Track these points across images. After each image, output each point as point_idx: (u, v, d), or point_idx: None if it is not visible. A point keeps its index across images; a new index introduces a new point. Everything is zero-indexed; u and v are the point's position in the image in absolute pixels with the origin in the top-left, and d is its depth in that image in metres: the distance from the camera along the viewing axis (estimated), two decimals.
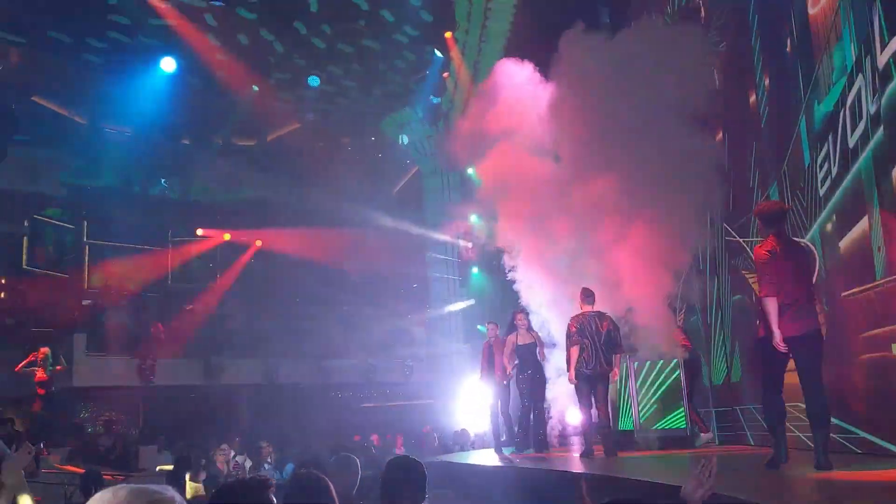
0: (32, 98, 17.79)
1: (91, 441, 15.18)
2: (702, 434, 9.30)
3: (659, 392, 9.47)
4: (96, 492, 5.79)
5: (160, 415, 17.63)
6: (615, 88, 9.55)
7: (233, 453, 13.87)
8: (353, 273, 20.39)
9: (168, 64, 17.14)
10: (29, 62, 17.61)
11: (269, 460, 14.52)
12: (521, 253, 11.25)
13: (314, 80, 18.47)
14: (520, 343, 9.55)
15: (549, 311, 10.87)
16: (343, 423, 18.25)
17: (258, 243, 20.51)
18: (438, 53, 18.79)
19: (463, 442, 15.61)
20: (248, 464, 13.97)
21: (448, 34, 17.87)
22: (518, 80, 11.48)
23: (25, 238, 17.23)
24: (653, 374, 9.53)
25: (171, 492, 2.11)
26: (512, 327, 9.69)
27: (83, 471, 10.61)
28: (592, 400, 8.37)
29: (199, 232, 19.71)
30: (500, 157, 11.19)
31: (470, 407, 16.67)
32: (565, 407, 11.01)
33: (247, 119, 19.71)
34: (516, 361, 9.60)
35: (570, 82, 10.34)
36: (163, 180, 18.71)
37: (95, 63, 17.41)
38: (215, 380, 17.33)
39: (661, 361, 9.47)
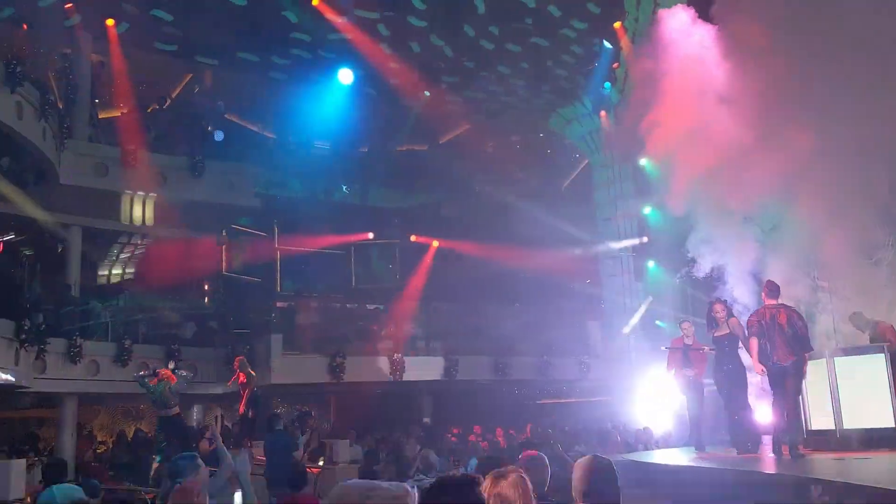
0: (225, 116, 19.22)
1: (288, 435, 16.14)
2: None
3: (863, 387, 8.77)
4: (300, 484, 6.12)
5: (349, 410, 18.49)
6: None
7: (418, 447, 14.32)
8: (526, 271, 20.44)
9: (346, 76, 17.96)
10: (221, 83, 19.09)
11: (454, 453, 14.89)
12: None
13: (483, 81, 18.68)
14: (716, 335, 9.20)
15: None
16: (521, 419, 18.37)
17: (435, 244, 21.02)
18: (608, 44, 18.47)
19: (646, 440, 15.26)
20: (433, 458, 14.39)
21: (617, 24, 17.53)
22: (684, 27, 10.82)
23: (224, 247, 18.61)
24: (855, 368, 8.84)
25: (408, 488, 2.21)
26: (712, 320, 9.28)
27: None
28: (782, 397, 7.97)
29: (413, 238, 20.43)
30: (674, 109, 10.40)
31: (652, 405, 16.27)
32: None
33: (419, 124, 20.29)
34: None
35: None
36: (343, 187, 19.62)
37: (279, 79, 18.58)
38: (398, 376, 17.94)
39: (866, 354, 8.79)
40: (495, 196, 20.54)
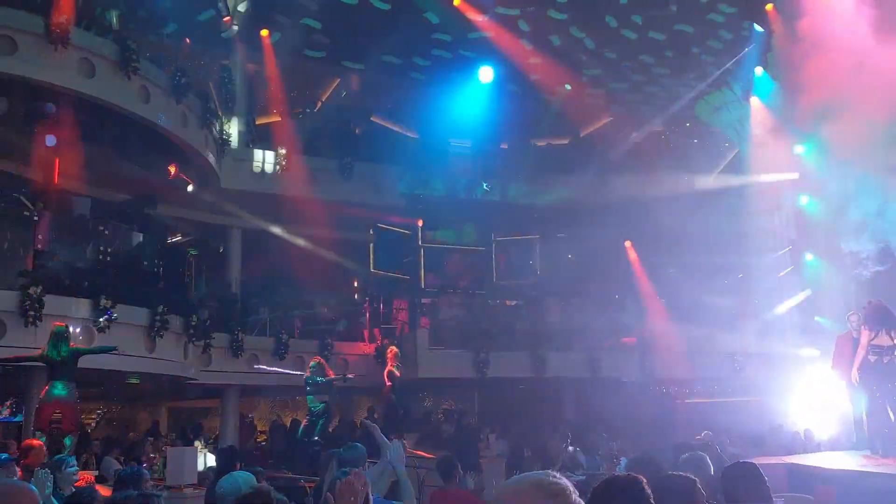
0: (371, 118, 19.85)
1: (435, 428, 16.49)
2: None
3: None
4: (453, 476, 6.17)
5: (493, 404, 18.63)
6: None
7: (563, 444, 14.21)
8: (673, 265, 19.86)
9: (486, 73, 18.08)
10: (366, 86, 19.72)
11: (600, 452, 14.70)
12: None
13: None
14: None
15: None
16: (668, 418, 17.87)
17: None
18: (758, 28, 17.61)
19: (807, 443, 14.45)
20: (581, 456, 14.25)
21: (769, 6, 16.68)
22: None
23: (371, 244, 19.24)
24: None
25: (565, 481, 2.21)
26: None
27: (432, 456, 11.60)
28: None
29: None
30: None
31: (814, 406, 15.41)
32: None
33: (560, 118, 20.13)
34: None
35: None
36: (484, 184, 19.75)
37: (421, 80, 18.97)
38: (541, 372, 17.91)
39: None
40: (639, 189, 20.04)
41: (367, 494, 3.82)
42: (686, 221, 18.88)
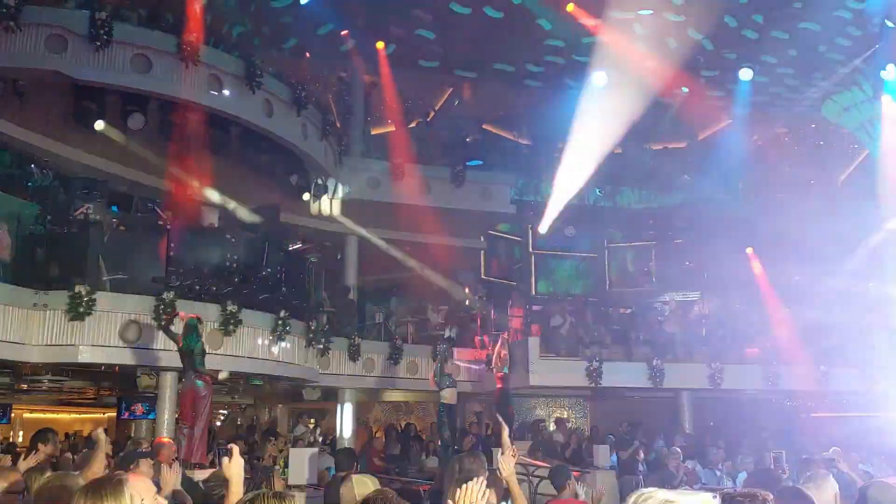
0: (484, 126, 19.98)
1: (548, 437, 16.37)
2: None
3: None
4: (566, 485, 6.07)
5: (607, 415, 18.33)
6: None
7: (681, 457, 13.81)
8: (800, 273, 18.98)
9: (600, 78, 17.85)
10: (479, 94, 19.86)
11: (720, 467, 14.19)
12: None
13: (747, 74, 17.72)
14: None
15: None
16: (792, 433, 17.07)
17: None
18: (890, 24, 16.63)
19: None
20: (700, 469, 13.82)
21: None
22: None
23: (483, 252, 19.33)
24: None
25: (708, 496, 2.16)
26: None
27: (544, 463, 11.54)
28: None
29: None
30: None
31: None
32: None
33: (677, 121, 19.65)
34: None
35: None
36: (597, 189, 19.52)
37: (534, 87, 18.94)
38: (658, 382, 17.47)
39: None
40: (761, 193, 19.30)
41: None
42: (812, 227, 18.03)
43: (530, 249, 19.96)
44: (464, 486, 3.85)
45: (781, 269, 19.16)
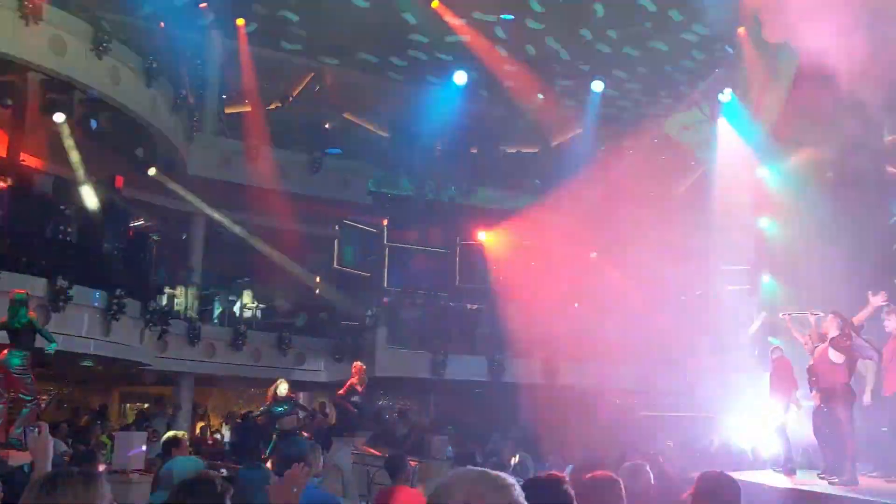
0: (344, 115, 19.83)
1: (389, 427, 16.52)
2: None
3: None
4: (400, 474, 6.25)
5: (448, 406, 18.70)
6: None
7: (515, 451, 14.32)
8: (635, 279, 20.10)
9: (460, 77, 18.17)
10: (341, 82, 19.68)
11: (549, 459, 14.83)
12: None
13: (598, 86, 18.60)
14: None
15: None
16: (620, 430, 18.07)
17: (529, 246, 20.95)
18: (730, 49, 17.94)
19: (752, 461, 14.75)
20: (530, 463, 14.38)
21: (741, 29, 17.00)
22: None
23: (337, 240, 19.19)
24: None
25: (512, 479, 2.28)
26: None
27: (381, 454, 11.63)
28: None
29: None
30: None
31: (760, 424, 15.72)
32: None
33: (531, 126, 20.29)
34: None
35: None
36: (452, 187, 19.82)
37: (397, 80, 19.00)
38: (498, 377, 18.02)
39: None
40: (605, 201, 20.26)
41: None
42: (650, 235, 19.11)
43: (385, 242, 19.96)
44: (286, 472, 3.85)
45: (621, 273, 20.21)
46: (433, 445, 14.99)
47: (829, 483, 8.02)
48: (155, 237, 16.31)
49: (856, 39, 10.45)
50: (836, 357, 8.25)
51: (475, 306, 20.31)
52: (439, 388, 18.92)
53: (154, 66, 13.83)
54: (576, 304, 20.05)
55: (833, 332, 8.29)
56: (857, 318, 8.53)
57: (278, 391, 12.01)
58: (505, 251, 21.35)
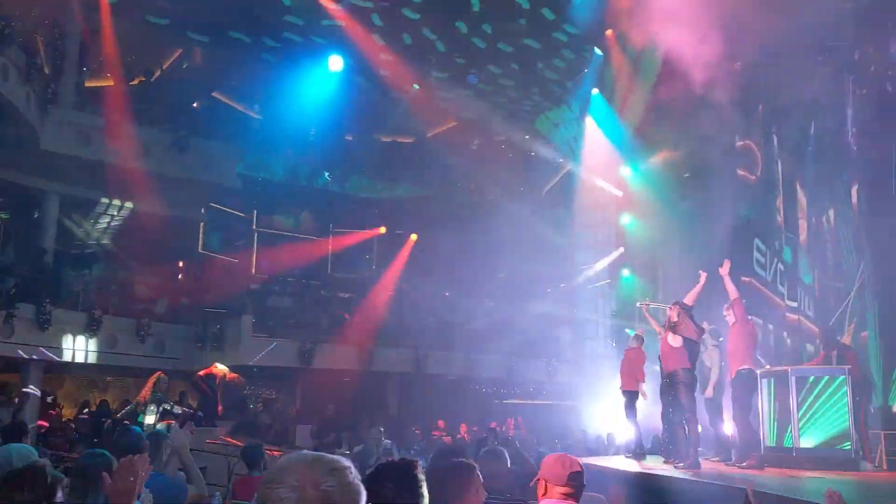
0: (213, 94, 19.16)
1: (252, 417, 16.19)
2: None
3: (822, 409, 8.96)
4: (259, 463, 6.14)
5: (316, 396, 18.51)
6: None
7: (381, 440, 14.36)
8: (502, 270, 20.57)
9: (336, 62, 17.95)
10: (211, 60, 19.01)
11: (414, 447, 15.00)
12: None
13: (473, 79, 18.85)
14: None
15: None
16: (486, 416, 18.49)
17: (413, 238, 21.10)
18: (598, 51, 18.59)
19: (608, 447, 15.43)
20: (395, 450, 14.47)
21: (609, 32, 17.64)
22: None
23: (202, 224, 18.55)
24: (816, 390, 9.03)
25: (347, 461, 2.29)
26: None
27: (243, 444, 11.37)
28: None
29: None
30: None
31: (615, 411, 16.47)
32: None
33: (407, 116, 20.31)
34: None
35: None
36: (326, 174, 19.59)
37: (270, 61, 18.54)
38: (367, 366, 18.01)
39: (826, 377, 8.99)
40: (477, 193, 20.61)
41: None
42: (519, 229, 19.57)
43: (254, 227, 19.48)
44: (122, 460, 3.69)
45: (492, 265, 20.62)
46: (298, 435, 14.83)
47: (675, 467, 8.47)
48: (3, 215, 15.26)
49: (711, 43, 11.13)
50: (674, 341, 8.71)
51: (347, 295, 20.22)
52: (307, 378, 18.69)
53: (6, 31, 12.91)
54: (446, 294, 20.31)
55: (674, 318, 8.76)
56: (689, 297, 8.98)
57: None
58: (379, 239, 21.39)
